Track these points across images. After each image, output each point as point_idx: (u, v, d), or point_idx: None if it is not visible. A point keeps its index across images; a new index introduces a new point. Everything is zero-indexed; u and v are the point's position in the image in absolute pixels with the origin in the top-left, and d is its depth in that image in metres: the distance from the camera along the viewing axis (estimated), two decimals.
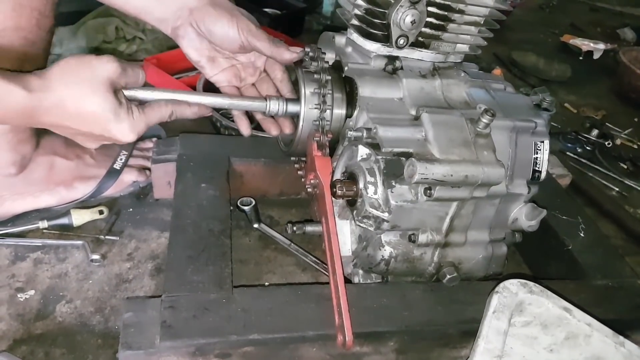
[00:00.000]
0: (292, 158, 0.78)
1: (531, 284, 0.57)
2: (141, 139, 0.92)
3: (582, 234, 0.82)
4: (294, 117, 0.70)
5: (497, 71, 1.59)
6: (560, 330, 0.57)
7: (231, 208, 0.78)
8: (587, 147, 1.28)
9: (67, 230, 0.76)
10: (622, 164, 1.25)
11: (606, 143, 1.29)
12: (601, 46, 1.83)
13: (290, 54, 0.65)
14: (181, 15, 0.64)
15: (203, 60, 0.66)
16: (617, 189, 1.16)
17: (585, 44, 1.84)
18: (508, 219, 0.69)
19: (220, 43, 0.65)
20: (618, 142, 1.33)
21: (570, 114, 1.47)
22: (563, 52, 1.89)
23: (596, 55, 1.81)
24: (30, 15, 0.60)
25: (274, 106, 0.66)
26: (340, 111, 0.68)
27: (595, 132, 1.31)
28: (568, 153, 1.25)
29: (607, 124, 1.41)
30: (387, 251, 0.64)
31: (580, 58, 1.83)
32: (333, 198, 0.63)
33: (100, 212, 0.79)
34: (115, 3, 0.65)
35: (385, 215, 0.60)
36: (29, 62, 0.63)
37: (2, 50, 0.60)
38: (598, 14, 2.44)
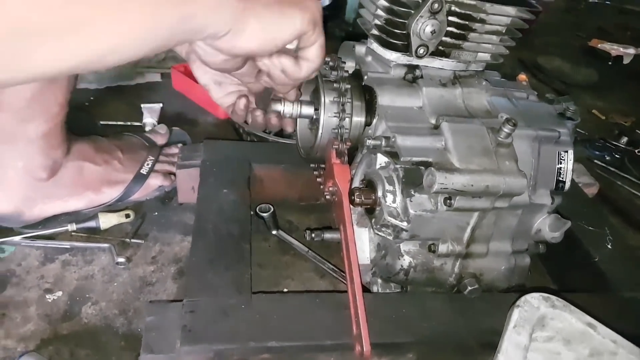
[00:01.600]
0: (312, 165, 0.79)
1: (554, 297, 0.56)
2: (167, 144, 0.96)
3: (609, 246, 0.79)
4: (310, 120, 0.70)
5: (522, 76, 1.56)
6: (584, 347, 0.56)
7: (251, 212, 0.80)
8: (616, 155, 1.24)
9: (94, 233, 0.79)
10: None
11: (636, 151, 1.25)
12: (631, 51, 1.77)
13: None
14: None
15: (211, 84, 0.67)
16: None
17: (614, 49, 1.79)
18: (531, 229, 0.68)
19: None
20: None
21: (598, 121, 1.43)
22: (590, 56, 1.84)
23: (626, 60, 1.76)
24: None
25: (288, 107, 0.66)
26: (359, 119, 0.69)
27: (624, 139, 1.27)
28: (596, 161, 1.22)
29: (637, 131, 1.37)
30: (406, 261, 0.64)
31: (610, 63, 1.78)
32: (351, 206, 0.63)
33: (127, 216, 0.81)
34: None
35: (404, 225, 0.60)
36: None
37: None
38: (627, 16, 2.37)
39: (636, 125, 1.40)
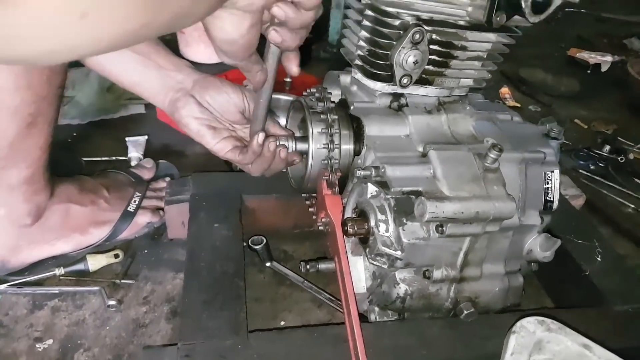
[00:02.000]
0: (303, 195, 0.79)
1: (549, 321, 0.56)
2: (154, 179, 0.95)
3: (599, 258, 0.80)
4: (303, 155, 0.71)
5: (505, 90, 1.59)
6: None
7: (244, 244, 0.79)
8: (600, 164, 1.26)
9: (83, 276, 0.77)
10: (636, 180, 1.23)
11: (619, 158, 1.27)
12: (608, 58, 1.81)
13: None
14: (182, 88, 0.68)
15: (204, 129, 0.67)
16: (632, 206, 1.14)
17: (592, 57, 1.83)
18: (522, 250, 0.68)
19: (222, 111, 0.67)
20: (631, 156, 1.31)
21: (581, 130, 1.45)
22: (571, 66, 1.88)
23: (604, 68, 1.80)
24: (41, 73, 0.62)
25: (283, 143, 0.67)
26: (348, 147, 0.69)
27: (607, 147, 1.29)
28: (581, 170, 1.24)
29: (619, 138, 1.39)
30: (402, 289, 0.63)
31: (588, 71, 1.82)
32: (345, 236, 0.63)
33: (116, 256, 0.80)
34: (109, 74, 0.68)
35: (398, 254, 0.60)
36: (41, 116, 0.65)
37: (15, 107, 0.62)
38: (604, 24, 2.43)
39: (618, 132, 1.43)
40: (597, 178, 1.21)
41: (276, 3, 0.48)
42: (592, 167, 1.25)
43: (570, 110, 1.55)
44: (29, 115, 0.63)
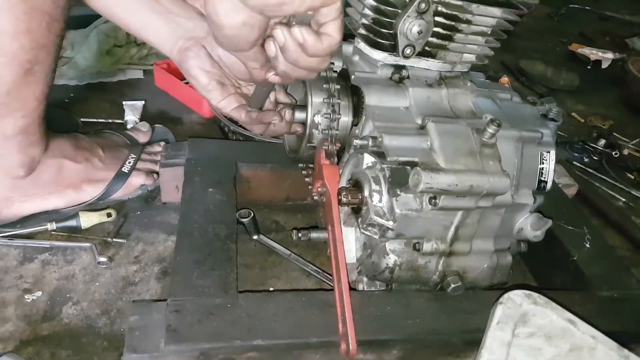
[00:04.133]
0: (300, 165, 0.79)
1: (535, 295, 0.57)
2: (149, 143, 0.95)
3: (587, 245, 0.81)
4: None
5: (505, 79, 1.59)
6: (564, 342, 0.57)
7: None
8: (594, 157, 1.27)
9: (75, 233, 0.77)
10: (629, 175, 1.24)
11: (613, 153, 1.28)
12: (609, 55, 1.82)
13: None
14: (194, 37, 0.65)
15: (212, 84, 0.65)
16: (623, 200, 1.15)
17: (593, 53, 1.83)
18: (513, 228, 0.69)
19: (232, 67, 0.65)
20: (625, 152, 1.32)
21: (577, 123, 1.46)
22: (571, 61, 1.88)
23: (604, 65, 1.80)
24: (41, 19, 0.61)
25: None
26: (346, 119, 0.69)
27: (602, 141, 1.30)
28: (575, 162, 1.25)
29: (614, 133, 1.40)
30: (391, 259, 0.64)
31: (589, 67, 1.82)
32: (339, 205, 0.63)
33: (109, 215, 0.80)
34: (114, 16, 0.66)
35: (390, 224, 0.60)
36: (39, 65, 0.65)
37: (14, 52, 0.61)
38: (607, 23, 2.43)
39: (614, 128, 1.44)
40: (591, 171, 1.23)
41: (281, 24, 0.48)
42: (586, 160, 1.26)
43: (568, 104, 1.56)
44: (27, 62, 0.62)
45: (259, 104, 0.68)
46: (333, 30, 0.48)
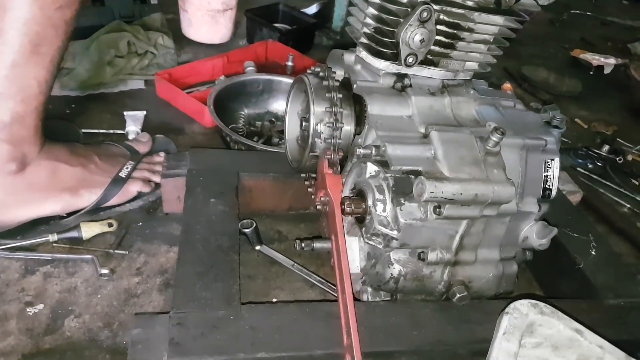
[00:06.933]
0: (302, 175, 0.79)
1: (542, 304, 0.56)
2: (150, 153, 0.94)
3: (593, 252, 0.81)
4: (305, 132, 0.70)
5: (507, 86, 1.58)
6: (571, 352, 0.56)
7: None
8: (598, 163, 1.26)
9: (76, 244, 0.77)
10: (633, 180, 1.24)
11: (617, 159, 1.27)
12: (612, 61, 1.81)
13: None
14: None
15: None
16: (628, 206, 1.14)
17: (595, 59, 1.82)
18: (518, 237, 0.68)
19: None
20: (629, 158, 1.31)
21: (581, 130, 1.46)
22: (574, 66, 1.88)
23: (607, 70, 1.80)
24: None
25: None
26: (349, 128, 0.69)
27: (606, 147, 1.29)
28: (579, 169, 1.24)
29: (618, 139, 1.39)
30: (396, 269, 0.63)
31: (591, 73, 1.82)
32: (342, 215, 0.63)
33: (110, 225, 0.79)
34: None
35: (394, 233, 0.60)
36: (45, 44, 0.65)
37: (25, 20, 0.61)
38: (609, 28, 2.43)
39: (617, 134, 1.43)
40: (595, 177, 1.22)
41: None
42: (590, 166, 1.25)
43: (571, 110, 1.55)
44: (35, 35, 0.62)
45: None
46: None
